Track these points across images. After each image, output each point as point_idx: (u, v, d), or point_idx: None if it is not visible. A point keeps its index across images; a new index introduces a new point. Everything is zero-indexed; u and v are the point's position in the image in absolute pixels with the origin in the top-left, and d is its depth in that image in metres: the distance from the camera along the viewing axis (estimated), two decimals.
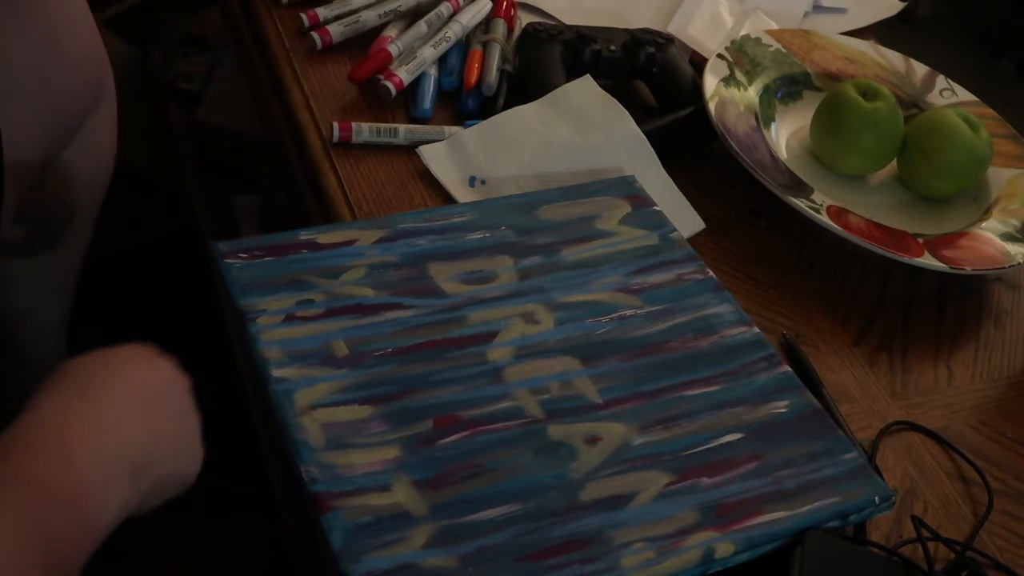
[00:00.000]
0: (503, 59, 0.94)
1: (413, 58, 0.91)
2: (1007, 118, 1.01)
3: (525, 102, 0.89)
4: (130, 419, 0.53)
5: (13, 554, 0.46)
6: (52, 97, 0.81)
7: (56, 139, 0.83)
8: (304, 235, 0.73)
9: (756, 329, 0.74)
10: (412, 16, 0.97)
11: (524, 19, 1.01)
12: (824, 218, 0.85)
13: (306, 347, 0.66)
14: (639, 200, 0.82)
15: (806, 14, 1.12)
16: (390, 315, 0.69)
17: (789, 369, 0.72)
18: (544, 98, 0.89)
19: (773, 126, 0.96)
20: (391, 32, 0.95)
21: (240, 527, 1.23)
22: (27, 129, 0.79)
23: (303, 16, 0.96)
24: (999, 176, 0.95)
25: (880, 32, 1.13)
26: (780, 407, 0.69)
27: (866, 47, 1.05)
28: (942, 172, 0.92)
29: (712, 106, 0.91)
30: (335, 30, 0.94)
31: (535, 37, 0.94)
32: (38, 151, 0.82)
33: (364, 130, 0.86)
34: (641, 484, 0.63)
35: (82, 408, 0.51)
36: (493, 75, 0.92)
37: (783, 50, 1.01)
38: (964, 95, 1.02)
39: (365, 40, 0.94)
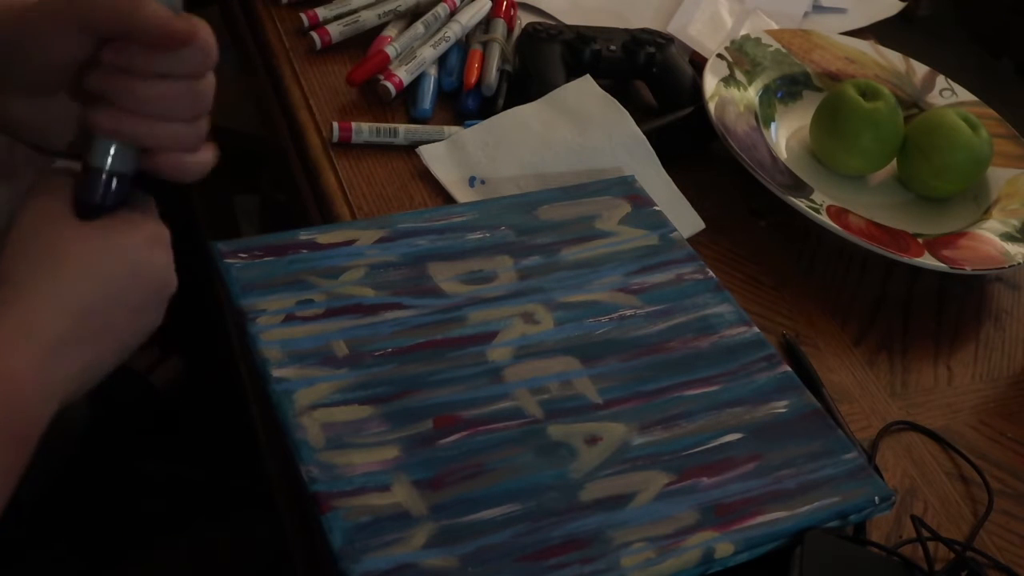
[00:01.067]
0: (503, 59, 0.94)
1: (413, 58, 0.91)
2: (1007, 118, 1.01)
3: (525, 102, 0.89)
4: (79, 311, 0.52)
5: None
6: None
7: None
8: (304, 235, 0.73)
9: (756, 329, 0.74)
10: (411, 16, 0.97)
11: (524, 19, 1.01)
12: (824, 218, 0.85)
13: (306, 347, 0.66)
14: (639, 200, 0.82)
15: (806, 14, 1.12)
16: (390, 315, 0.69)
17: (789, 369, 0.72)
18: (544, 98, 0.89)
19: (773, 126, 0.96)
20: (390, 32, 0.95)
21: (239, 526, 1.23)
22: None
23: (303, 16, 0.96)
24: (999, 176, 0.95)
25: (880, 32, 1.13)
26: (780, 407, 0.69)
27: (866, 47, 1.05)
28: (942, 172, 0.92)
29: (712, 106, 0.91)
30: (334, 30, 0.94)
31: (535, 37, 0.94)
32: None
33: (364, 130, 0.86)
34: (641, 484, 0.63)
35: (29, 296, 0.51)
36: (493, 75, 0.92)
37: (783, 50, 1.01)
38: (964, 95, 1.02)
39: (365, 40, 0.94)
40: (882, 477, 0.69)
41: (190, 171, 0.56)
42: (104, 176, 0.54)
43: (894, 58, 1.05)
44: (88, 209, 0.54)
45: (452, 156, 0.85)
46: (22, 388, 0.49)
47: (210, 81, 0.54)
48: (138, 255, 0.54)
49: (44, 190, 0.54)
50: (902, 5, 1.17)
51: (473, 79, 0.91)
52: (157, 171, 0.56)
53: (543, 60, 0.93)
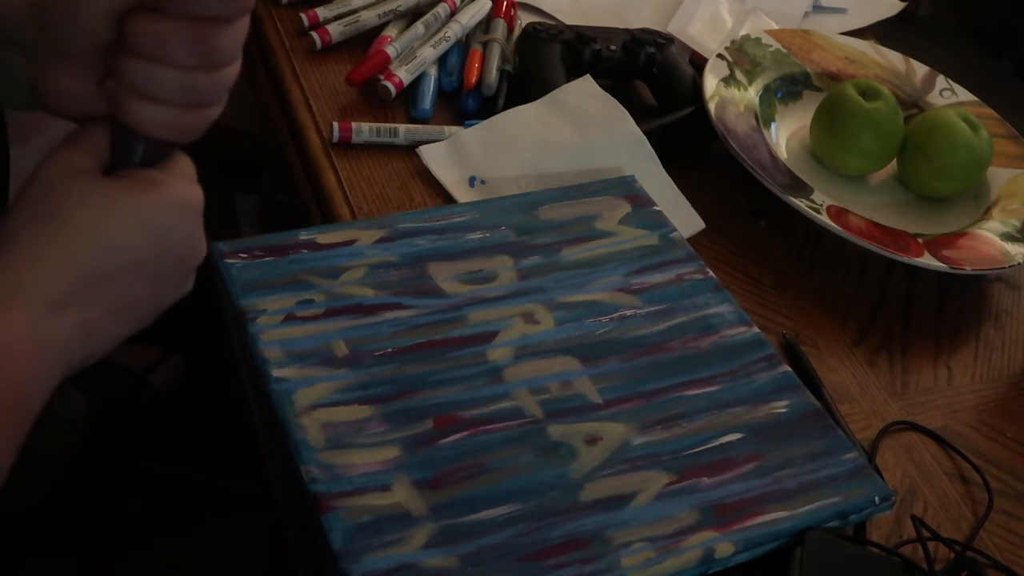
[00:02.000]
0: (503, 59, 0.94)
1: (413, 58, 0.91)
2: (1007, 118, 1.01)
3: (525, 102, 0.89)
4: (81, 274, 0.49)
5: None
6: None
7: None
8: (304, 235, 0.73)
9: (756, 329, 0.74)
10: (412, 16, 0.97)
11: (524, 19, 1.01)
12: (824, 218, 0.85)
13: (306, 347, 0.66)
14: (639, 200, 0.82)
15: (806, 14, 1.12)
16: (390, 315, 0.69)
17: (789, 369, 0.72)
18: (544, 98, 0.89)
19: (773, 126, 0.96)
20: (391, 32, 0.95)
21: (239, 527, 1.23)
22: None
23: (303, 16, 0.96)
24: (999, 176, 0.95)
25: (880, 32, 1.13)
26: (780, 407, 0.69)
27: (866, 47, 1.05)
28: (942, 172, 0.92)
29: (712, 106, 0.91)
30: (335, 30, 0.94)
31: (535, 37, 0.94)
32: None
33: (364, 130, 0.86)
34: (641, 484, 0.63)
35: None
36: (493, 75, 0.92)
37: (783, 50, 1.01)
38: (964, 95, 1.02)
39: (365, 40, 0.94)
40: (882, 477, 0.69)
41: (198, 128, 0.52)
42: (132, 131, 0.50)
43: (894, 58, 1.05)
44: (115, 166, 0.51)
45: (452, 156, 0.85)
46: (9, 355, 0.46)
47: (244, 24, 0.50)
48: (159, 219, 0.50)
49: (71, 141, 0.50)
50: (902, 5, 1.17)
51: (473, 79, 0.91)
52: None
53: (543, 60, 0.93)
